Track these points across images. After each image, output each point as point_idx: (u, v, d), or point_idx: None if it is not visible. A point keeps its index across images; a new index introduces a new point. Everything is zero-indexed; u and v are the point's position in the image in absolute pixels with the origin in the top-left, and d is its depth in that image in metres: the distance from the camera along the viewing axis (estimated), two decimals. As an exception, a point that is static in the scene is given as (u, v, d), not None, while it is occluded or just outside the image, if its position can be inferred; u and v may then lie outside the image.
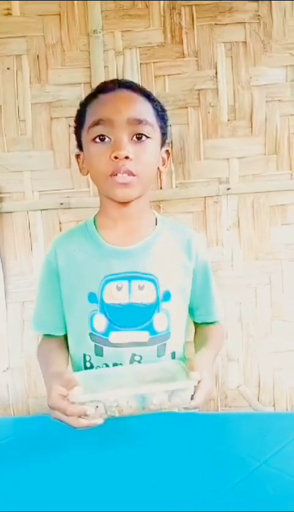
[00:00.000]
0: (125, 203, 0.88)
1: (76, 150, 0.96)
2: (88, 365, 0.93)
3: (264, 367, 1.69)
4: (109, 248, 0.91)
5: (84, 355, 0.93)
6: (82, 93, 1.57)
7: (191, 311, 1.03)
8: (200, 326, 1.04)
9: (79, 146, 0.93)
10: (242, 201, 1.65)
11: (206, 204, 1.65)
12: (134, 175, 0.83)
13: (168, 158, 0.96)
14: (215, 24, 1.59)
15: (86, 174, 0.93)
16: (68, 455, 0.76)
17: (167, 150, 0.95)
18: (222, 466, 0.72)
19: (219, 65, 1.60)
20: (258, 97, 1.61)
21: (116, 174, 0.82)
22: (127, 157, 0.81)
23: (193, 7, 1.58)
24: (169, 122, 0.96)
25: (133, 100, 0.86)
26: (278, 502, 0.63)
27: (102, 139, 0.83)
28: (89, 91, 0.97)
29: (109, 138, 0.83)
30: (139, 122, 0.83)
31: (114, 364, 0.90)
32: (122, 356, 0.90)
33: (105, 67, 1.59)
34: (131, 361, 0.90)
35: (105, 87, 0.88)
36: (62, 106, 1.60)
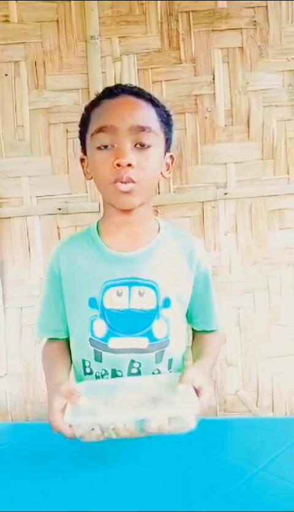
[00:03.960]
0: (128, 210, 0.88)
1: (81, 154, 0.95)
2: (88, 370, 0.93)
3: (263, 372, 1.69)
4: (111, 253, 0.90)
5: (83, 361, 0.93)
6: (80, 99, 1.57)
7: (190, 318, 1.02)
8: (199, 334, 1.03)
9: (84, 150, 0.93)
10: (240, 206, 1.65)
11: (204, 209, 1.65)
12: (135, 182, 0.82)
13: (172, 163, 0.95)
14: (212, 30, 1.60)
15: (91, 179, 0.92)
16: (65, 462, 0.76)
17: (171, 156, 0.94)
18: (220, 471, 0.71)
19: (216, 70, 1.61)
20: (255, 102, 1.62)
21: (118, 182, 0.82)
22: (129, 165, 0.80)
23: (190, 13, 1.60)
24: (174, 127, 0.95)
25: (137, 107, 0.85)
26: (276, 508, 0.62)
27: (106, 147, 0.83)
28: (86, 97, 0.96)
29: (112, 145, 0.83)
30: (143, 129, 0.82)
31: (113, 370, 0.90)
32: (121, 362, 0.89)
33: (102, 72, 1.60)
34: (130, 368, 0.89)
35: (109, 93, 0.87)
36: (59, 111, 1.60)
